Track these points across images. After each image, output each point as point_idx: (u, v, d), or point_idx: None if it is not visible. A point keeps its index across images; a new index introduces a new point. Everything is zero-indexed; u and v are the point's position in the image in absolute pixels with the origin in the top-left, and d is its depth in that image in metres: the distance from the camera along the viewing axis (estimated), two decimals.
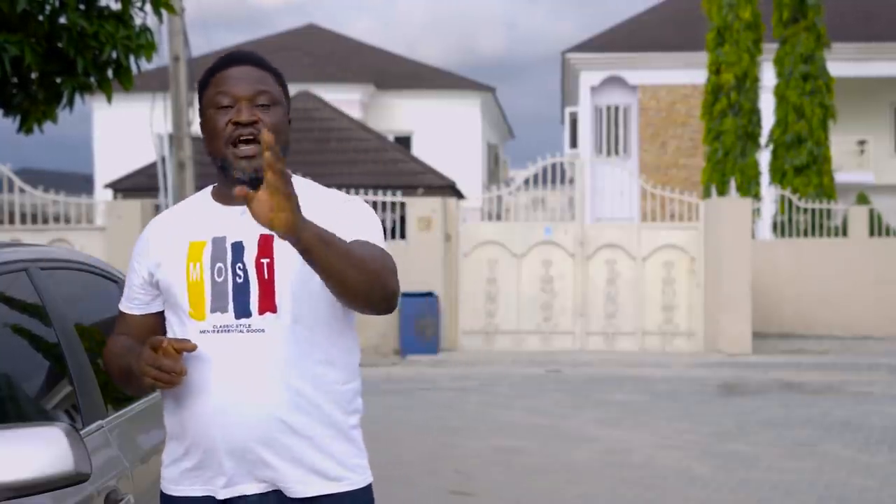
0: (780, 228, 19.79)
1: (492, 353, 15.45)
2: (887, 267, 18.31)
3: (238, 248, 2.23)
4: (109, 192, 19.93)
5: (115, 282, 3.31)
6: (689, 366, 14.20)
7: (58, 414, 2.55)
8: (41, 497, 2.02)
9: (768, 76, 22.40)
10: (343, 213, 2.26)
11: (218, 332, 2.20)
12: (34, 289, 2.62)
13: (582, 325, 15.84)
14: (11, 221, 15.61)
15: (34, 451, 1.93)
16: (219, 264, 2.23)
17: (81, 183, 30.68)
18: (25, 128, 6.58)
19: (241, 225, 2.23)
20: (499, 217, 17.43)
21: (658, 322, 15.82)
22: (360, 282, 2.06)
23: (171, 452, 2.32)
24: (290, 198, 1.91)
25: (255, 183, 2.19)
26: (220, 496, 2.23)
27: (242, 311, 2.20)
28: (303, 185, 2.31)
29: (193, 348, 2.11)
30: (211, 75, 2.30)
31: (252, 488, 2.22)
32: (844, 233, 19.01)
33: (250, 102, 2.23)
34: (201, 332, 2.21)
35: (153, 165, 17.75)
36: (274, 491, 2.22)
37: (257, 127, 2.21)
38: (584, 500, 6.63)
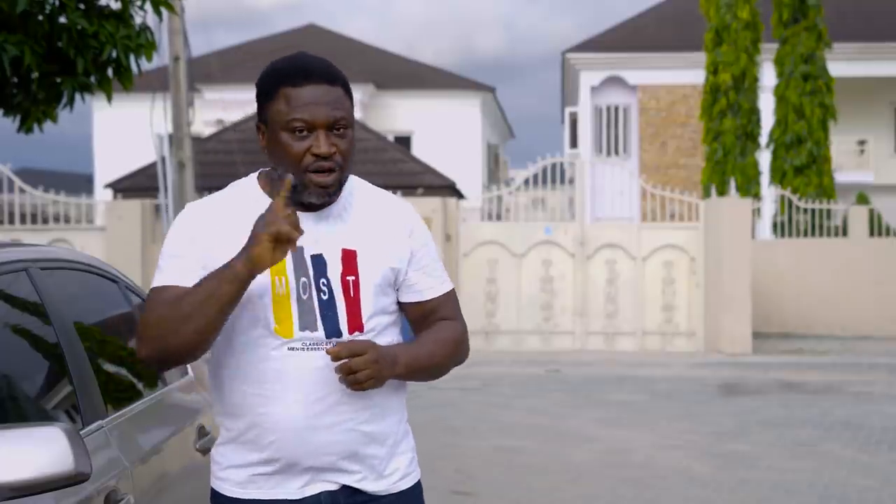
0: (780, 228, 19.80)
1: (492, 353, 15.45)
2: (887, 267, 18.31)
3: (319, 262, 2.20)
4: (109, 192, 19.93)
5: (115, 282, 3.31)
6: (689, 366, 14.20)
7: (58, 414, 2.54)
8: (41, 497, 2.02)
9: (769, 76, 22.41)
10: (417, 251, 2.32)
11: (307, 349, 2.18)
12: (34, 289, 2.62)
13: (582, 325, 15.84)
14: (11, 221, 15.62)
15: (34, 451, 1.93)
16: (303, 279, 2.19)
17: (81, 183, 30.68)
18: (26, 128, 6.59)
19: (316, 234, 2.21)
20: (499, 217, 17.43)
21: (658, 322, 15.82)
22: (438, 376, 2.40)
23: (236, 457, 2.25)
24: (377, 371, 2.15)
25: (323, 206, 2.23)
26: (295, 497, 2.23)
27: (332, 330, 2.19)
28: (362, 188, 2.34)
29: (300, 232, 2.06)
30: (280, 85, 2.19)
31: (327, 486, 2.24)
32: (844, 233, 19.01)
33: (328, 130, 2.18)
34: (289, 348, 2.18)
35: (153, 165, 17.74)
36: (343, 486, 2.25)
37: (335, 159, 2.18)
38: (584, 500, 6.63)
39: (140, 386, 3.16)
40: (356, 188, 2.33)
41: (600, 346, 15.81)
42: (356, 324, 2.21)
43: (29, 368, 2.58)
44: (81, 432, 2.39)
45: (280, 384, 2.18)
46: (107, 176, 24.37)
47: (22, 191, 15.35)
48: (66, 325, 2.69)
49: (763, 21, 21.18)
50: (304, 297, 2.19)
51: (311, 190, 2.18)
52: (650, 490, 6.87)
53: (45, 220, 15.97)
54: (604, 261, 15.79)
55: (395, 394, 2.29)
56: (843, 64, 24.34)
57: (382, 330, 2.26)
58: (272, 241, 2.01)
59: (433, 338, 2.33)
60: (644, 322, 15.80)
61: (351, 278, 2.21)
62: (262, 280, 2.16)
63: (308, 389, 2.17)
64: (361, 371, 2.10)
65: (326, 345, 2.17)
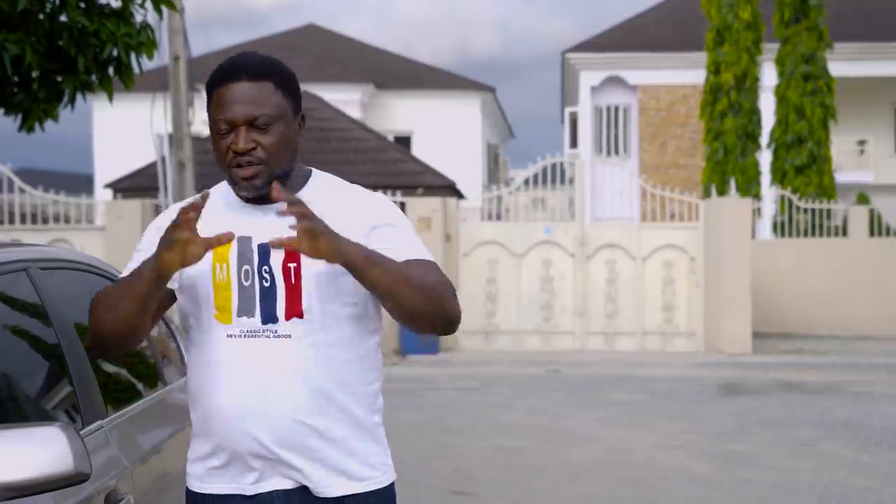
0: (780, 228, 19.80)
1: (492, 353, 15.45)
2: (887, 267, 18.31)
3: (264, 251, 2.23)
4: (109, 192, 19.93)
5: (115, 281, 3.31)
6: (689, 366, 14.20)
7: (58, 414, 2.54)
8: (41, 497, 2.02)
9: (769, 76, 22.41)
10: (376, 229, 2.25)
11: (245, 336, 2.21)
12: (34, 289, 2.62)
13: (582, 325, 15.84)
14: (11, 221, 15.61)
15: (34, 451, 1.92)
16: (245, 266, 2.22)
17: (81, 183, 30.68)
18: (27, 127, 6.58)
19: (266, 225, 2.23)
20: (499, 217, 17.43)
21: (658, 322, 15.82)
22: (418, 303, 2.15)
23: (196, 450, 2.31)
24: (323, 231, 2.03)
25: (260, 199, 2.25)
26: (249, 493, 2.24)
27: (269, 316, 2.21)
28: (328, 182, 2.34)
29: (230, 238, 2.07)
30: (210, 87, 2.25)
31: (280, 484, 2.23)
32: (844, 233, 19.01)
33: (248, 126, 2.19)
34: (228, 335, 2.21)
35: (153, 165, 17.75)
36: (300, 487, 2.24)
37: (254, 154, 2.20)
38: (584, 500, 6.63)
39: (140, 386, 3.16)
40: (318, 182, 2.33)
41: (600, 346, 15.80)
42: (294, 310, 2.20)
43: (29, 368, 2.58)
44: (81, 432, 2.38)
45: (220, 373, 2.20)
46: (107, 176, 24.36)
47: (22, 191, 15.35)
48: (67, 325, 2.69)
49: (764, 21, 21.18)
50: (246, 285, 2.22)
51: (239, 185, 2.22)
52: (650, 490, 6.87)
53: (45, 220, 15.96)
54: (604, 261, 15.79)
55: (346, 388, 2.24)
56: (843, 64, 24.34)
57: (337, 324, 2.23)
58: (169, 248, 2.07)
59: (410, 264, 2.19)
60: (644, 322, 15.80)
61: (292, 265, 2.21)
62: (204, 268, 2.22)
63: (246, 377, 2.18)
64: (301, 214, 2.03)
65: (263, 333, 2.19)
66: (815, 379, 12.84)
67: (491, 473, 7.35)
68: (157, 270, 2.10)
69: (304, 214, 2.02)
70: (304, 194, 2.28)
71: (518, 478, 7.22)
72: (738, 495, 6.73)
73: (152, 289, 2.14)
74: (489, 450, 8.24)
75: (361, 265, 2.09)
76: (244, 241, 2.23)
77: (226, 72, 2.22)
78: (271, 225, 2.22)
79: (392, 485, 2.34)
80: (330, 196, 2.30)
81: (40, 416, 2.42)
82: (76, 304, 2.90)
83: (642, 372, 13.42)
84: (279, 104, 2.22)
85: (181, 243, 2.05)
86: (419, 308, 2.16)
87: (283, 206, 2.06)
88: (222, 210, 2.29)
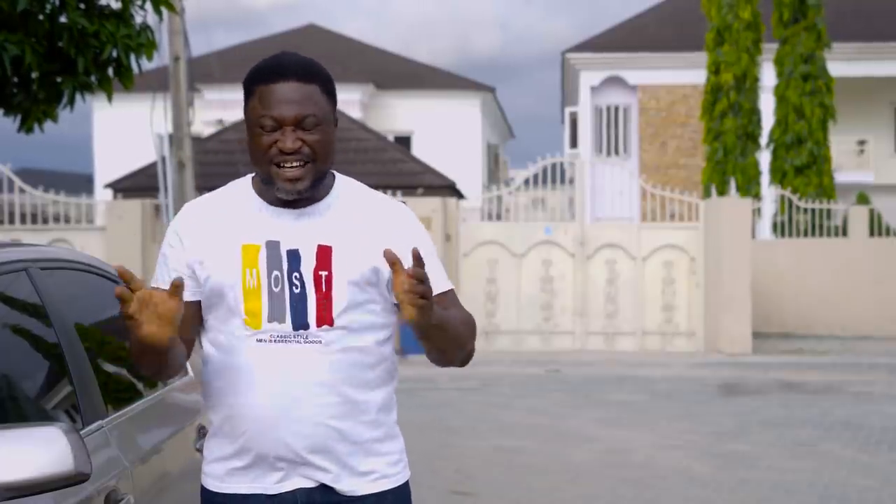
0: (780, 228, 19.81)
1: (492, 353, 15.44)
2: (887, 267, 18.31)
3: (294, 257, 2.22)
4: (109, 192, 19.94)
5: (115, 282, 3.30)
6: (689, 366, 14.20)
7: (58, 414, 2.54)
8: (41, 497, 2.02)
9: (769, 76, 22.41)
10: (404, 251, 2.24)
11: (275, 341, 2.21)
12: (34, 289, 2.62)
13: (582, 325, 15.84)
14: (11, 221, 15.62)
15: (34, 451, 1.93)
16: (275, 272, 2.21)
17: (81, 183, 30.67)
18: (26, 127, 6.58)
19: (294, 230, 2.23)
20: (499, 217, 17.43)
21: (658, 322, 15.82)
22: (455, 357, 2.32)
23: (216, 450, 2.30)
24: (431, 308, 2.09)
25: (297, 202, 2.24)
26: (271, 492, 2.25)
27: (300, 322, 2.21)
28: (352, 187, 2.36)
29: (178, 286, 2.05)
30: (254, 83, 2.23)
31: (303, 483, 2.25)
32: (844, 233, 19.02)
33: (295, 126, 2.20)
34: (258, 340, 2.21)
35: (153, 165, 17.75)
36: (321, 485, 2.25)
37: (302, 152, 2.20)
38: (584, 500, 6.63)
39: (140, 386, 3.16)
40: (346, 187, 2.34)
41: (600, 346, 15.81)
42: (325, 317, 2.21)
43: (29, 368, 2.58)
44: (81, 432, 2.38)
45: (249, 376, 2.20)
46: (107, 176, 24.36)
47: (22, 191, 15.35)
48: (67, 325, 2.69)
49: (763, 21, 21.19)
50: (276, 290, 2.21)
51: (278, 184, 2.21)
52: (650, 490, 6.88)
53: (45, 220, 15.97)
54: (604, 261, 15.79)
55: (369, 392, 2.27)
56: (842, 64, 24.34)
57: (362, 330, 2.25)
58: (135, 328, 2.04)
59: (454, 313, 2.30)
60: (644, 322, 15.80)
61: (324, 273, 2.22)
62: (233, 273, 2.21)
63: (275, 382, 2.19)
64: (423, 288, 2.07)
65: (294, 338, 2.20)
66: (815, 379, 12.84)
67: (491, 473, 7.35)
68: (142, 343, 2.07)
69: (426, 294, 2.06)
70: (332, 199, 2.29)
71: (518, 478, 7.22)
72: (738, 495, 6.74)
73: (155, 353, 2.11)
74: (489, 450, 8.25)
75: (431, 332, 2.17)
76: (273, 246, 2.23)
77: (276, 70, 2.22)
78: (299, 229, 2.23)
79: (407, 482, 2.38)
80: (356, 202, 2.32)
81: (40, 416, 2.42)
82: (76, 304, 2.91)
83: (642, 372, 13.43)
84: (324, 107, 2.24)
85: (137, 326, 2.03)
86: (453, 359, 2.32)
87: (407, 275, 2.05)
88: (249, 211, 2.28)
